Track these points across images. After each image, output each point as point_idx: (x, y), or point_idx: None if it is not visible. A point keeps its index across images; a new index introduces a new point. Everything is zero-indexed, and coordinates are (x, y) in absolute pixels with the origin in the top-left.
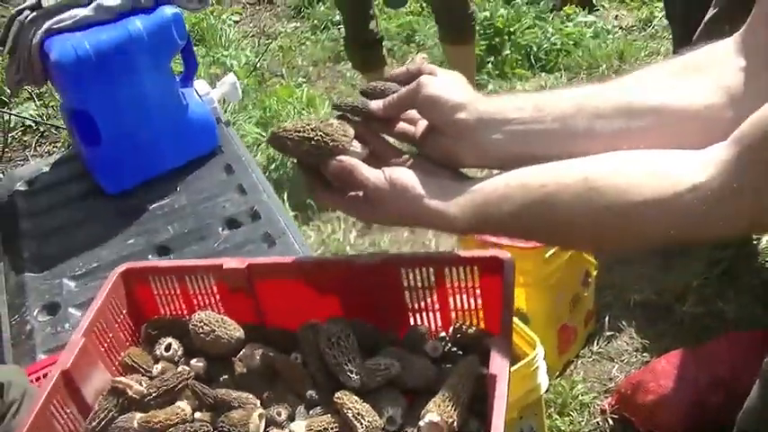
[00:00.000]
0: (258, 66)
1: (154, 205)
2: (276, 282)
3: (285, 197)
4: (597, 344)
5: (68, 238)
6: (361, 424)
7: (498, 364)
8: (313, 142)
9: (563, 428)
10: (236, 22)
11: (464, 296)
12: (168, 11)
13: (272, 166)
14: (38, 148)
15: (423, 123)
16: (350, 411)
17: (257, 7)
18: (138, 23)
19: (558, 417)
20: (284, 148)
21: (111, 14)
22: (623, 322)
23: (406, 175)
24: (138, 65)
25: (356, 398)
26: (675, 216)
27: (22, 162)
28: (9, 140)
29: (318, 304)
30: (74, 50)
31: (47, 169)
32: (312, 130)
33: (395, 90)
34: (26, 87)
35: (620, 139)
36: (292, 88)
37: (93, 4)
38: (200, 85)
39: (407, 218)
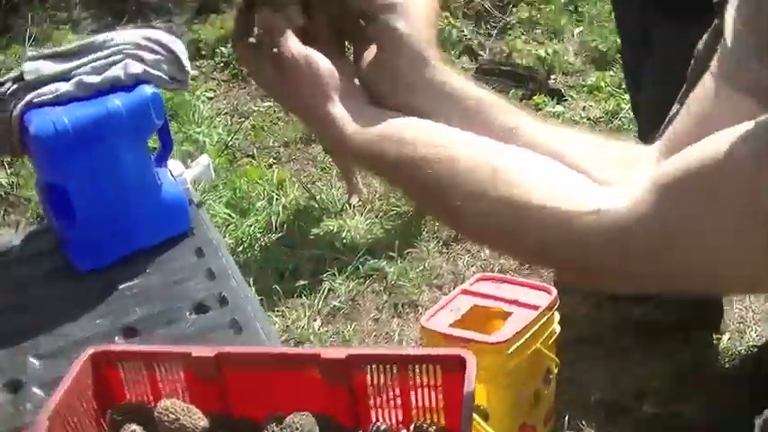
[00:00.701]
0: (230, 144)
1: (123, 285)
2: (244, 371)
3: (251, 281)
4: None
5: (35, 315)
6: None
7: None
8: None
9: None
10: (210, 98)
11: (426, 393)
12: (148, 90)
13: (240, 248)
14: (5, 218)
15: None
16: None
17: (231, 84)
18: (117, 101)
19: None
20: None
21: (91, 91)
22: (583, 421)
23: (325, 67)
24: (116, 142)
25: None
26: (571, 236)
27: None
28: None
29: (285, 395)
30: (52, 125)
31: (17, 242)
32: None
33: None
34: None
35: None
36: (263, 169)
37: (74, 80)
38: (174, 165)
39: (303, 108)
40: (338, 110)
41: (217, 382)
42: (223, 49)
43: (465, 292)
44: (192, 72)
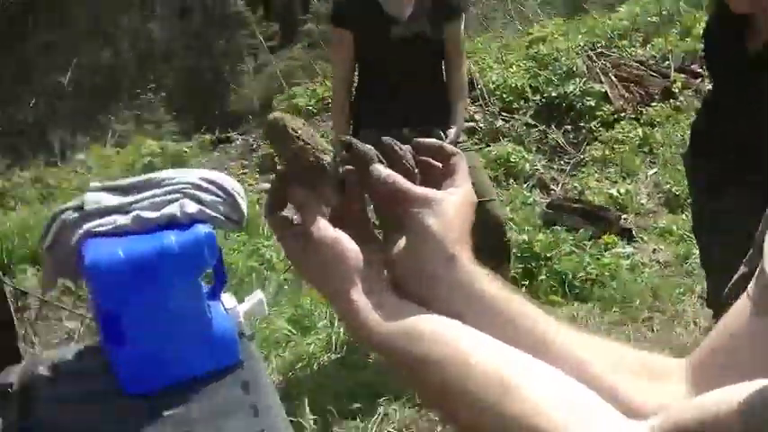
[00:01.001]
0: None
1: (167, 413)
2: None
3: (306, 401)
4: None
5: None
6: None
7: None
8: (312, 159)
9: None
10: None
11: None
12: (202, 230)
13: (299, 366)
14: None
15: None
16: None
17: None
18: (172, 238)
19: None
20: (280, 140)
21: (148, 226)
22: None
23: (352, 251)
24: (168, 277)
25: None
26: None
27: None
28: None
29: None
30: (108, 256)
31: (70, 357)
32: (322, 151)
33: (410, 164)
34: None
35: None
36: None
37: (132, 214)
38: (227, 299)
39: (326, 289)
40: (361, 298)
41: None
42: None
43: None
44: (265, 186)
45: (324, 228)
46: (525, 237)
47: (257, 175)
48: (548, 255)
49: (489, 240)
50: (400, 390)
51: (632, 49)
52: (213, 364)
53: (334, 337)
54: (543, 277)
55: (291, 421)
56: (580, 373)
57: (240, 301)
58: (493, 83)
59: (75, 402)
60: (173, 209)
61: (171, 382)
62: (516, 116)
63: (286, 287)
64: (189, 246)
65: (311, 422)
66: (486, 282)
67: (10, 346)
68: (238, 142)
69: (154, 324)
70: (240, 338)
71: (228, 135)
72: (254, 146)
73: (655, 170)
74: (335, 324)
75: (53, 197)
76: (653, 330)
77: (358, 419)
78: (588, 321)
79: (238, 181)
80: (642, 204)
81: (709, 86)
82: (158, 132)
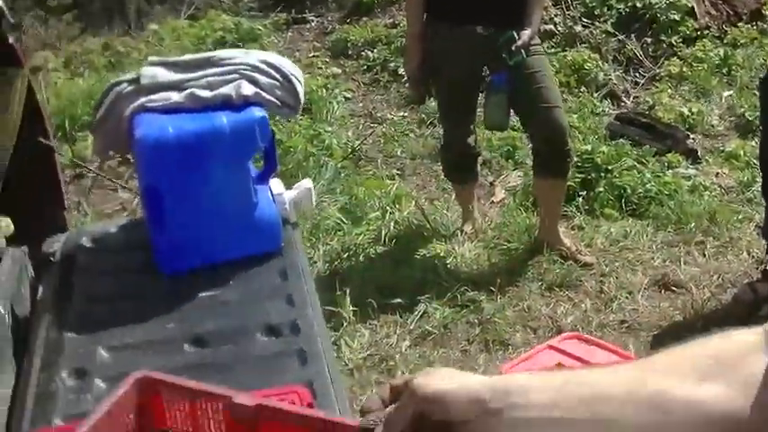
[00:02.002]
0: (357, 149)
1: (202, 294)
2: (282, 426)
3: (348, 291)
4: None
5: (114, 307)
6: None
7: None
8: None
9: None
10: (347, 99)
11: None
12: (256, 113)
13: (345, 255)
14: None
15: None
16: None
17: (371, 88)
18: (223, 119)
19: None
20: None
21: (201, 105)
22: None
23: None
24: (216, 158)
25: None
26: None
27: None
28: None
29: None
30: (157, 132)
31: (114, 230)
32: None
33: None
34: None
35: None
36: (383, 180)
37: (187, 91)
38: (275, 184)
39: None
40: None
41: (253, 430)
42: (369, 52)
43: (552, 347)
44: (335, 70)
45: None
46: (588, 147)
47: (328, 59)
48: (608, 167)
49: (551, 147)
50: (443, 289)
51: None
52: (253, 249)
53: (383, 231)
54: (601, 189)
55: (332, 311)
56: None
57: (289, 187)
58: None
59: (114, 275)
60: (228, 89)
61: (209, 264)
62: (597, 23)
63: (342, 175)
64: (240, 128)
65: (351, 313)
66: None
67: (56, 215)
68: (313, 24)
69: (197, 204)
70: (284, 226)
71: (304, 15)
72: (329, 28)
73: (730, 92)
74: (387, 217)
75: (121, 66)
76: (704, 255)
77: (398, 315)
78: (641, 239)
79: (309, 64)
80: (712, 126)
81: None
82: (235, 8)
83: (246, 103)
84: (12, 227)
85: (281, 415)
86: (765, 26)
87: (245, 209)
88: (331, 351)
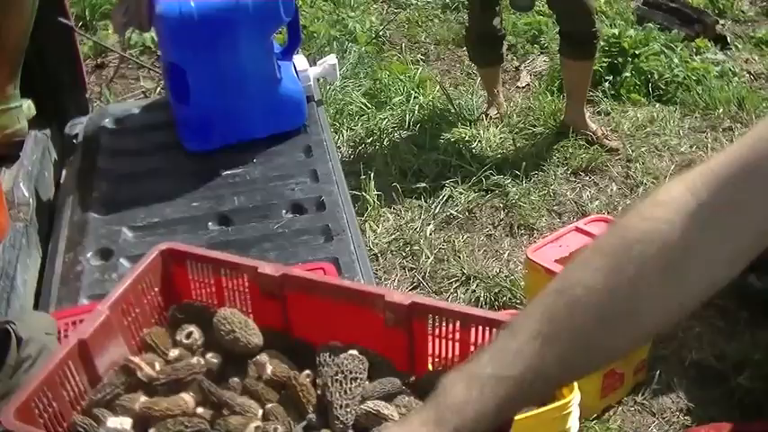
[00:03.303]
0: (381, 34)
1: (226, 172)
2: (307, 295)
3: (372, 175)
4: (642, 395)
5: (139, 187)
6: None
7: None
8: None
9: None
10: None
11: None
12: None
13: (369, 140)
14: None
15: None
16: None
17: None
18: None
19: None
20: None
21: None
22: (674, 380)
23: None
24: (239, 33)
25: None
26: None
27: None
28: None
29: (345, 327)
30: (178, 7)
31: (137, 111)
32: None
33: None
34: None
35: None
36: (408, 65)
37: None
38: (299, 60)
39: None
40: None
41: (279, 300)
42: None
43: (578, 230)
44: None
45: None
46: (615, 31)
47: None
48: (636, 52)
49: (577, 29)
50: (468, 174)
51: None
52: (277, 127)
53: (407, 115)
54: (628, 74)
55: (356, 195)
56: None
57: (313, 64)
58: None
59: (138, 155)
60: None
61: (232, 142)
62: None
63: (366, 60)
64: (263, 2)
65: (375, 198)
66: None
67: (78, 97)
68: None
69: (220, 81)
70: (308, 102)
71: None
72: None
73: None
74: (411, 101)
75: None
76: (732, 141)
77: (422, 199)
78: (668, 124)
79: None
80: (742, 12)
81: None
82: None
83: None
84: (33, 109)
85: (307, 285)
86: None
87: (268, 85)
88: (356, 227)
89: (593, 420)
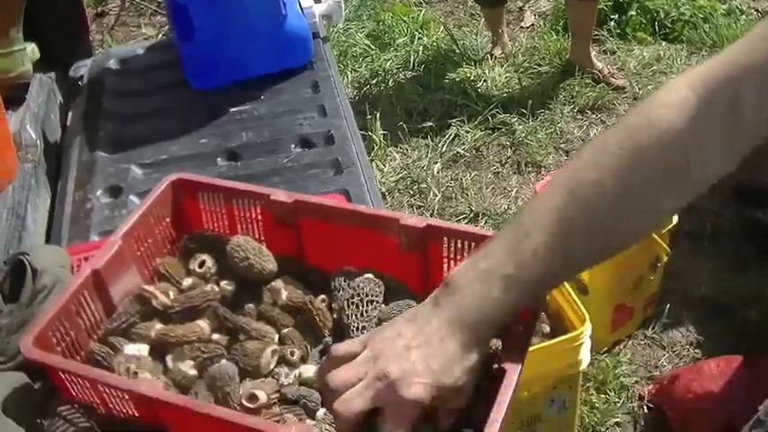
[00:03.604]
0: None
1: (234, 109)
2: (320, 221)
3: (378, 115)
4: (652, 329)
5: (146, 126)
6: None
7: (512, 358)
8: None
9: (597, 405)
10: None
11: None
12: None
13: (374, 81)
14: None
15: None
16: None
17: None
18: None
19: (594, 393)
20: None
21: None
22: (684, 313)
23: None
24: None
25: None
26: None
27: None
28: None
29: (359, 252)
30: None
31: (141, 52)
32: None
33: None
34: None
35: None
36: (411, 7)
37: None
38: None
39: None
40: None
41: (292, 227)
42: None
43: None
44: None
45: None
46: None
47: None
48: None
49: None
50: (474, 112)
51: None
52: (283, 64)
53: (412, 56)
54: (633, 13)
55: (362, 135)
56: None
57: (317, 1)
58: None
59: (144, 94)
60: None
61: (238, 79)
62: None
63: (368, 2)
64: None
65: (381, 137)
66: None
67: (81, 40)
68: None
69: (224, 18)
70: (313, 39)
71: None
72: None
73: None
74: (415, 42)
75: None
76: None
77: (429, 138)
78: (674, 62)
79: None
80: None
81: None
82: None
83: None
84: (37, 52)
85: (320, 211)
86: None
87: (273, 22)
88: (366, 160)
89: (603, 354)
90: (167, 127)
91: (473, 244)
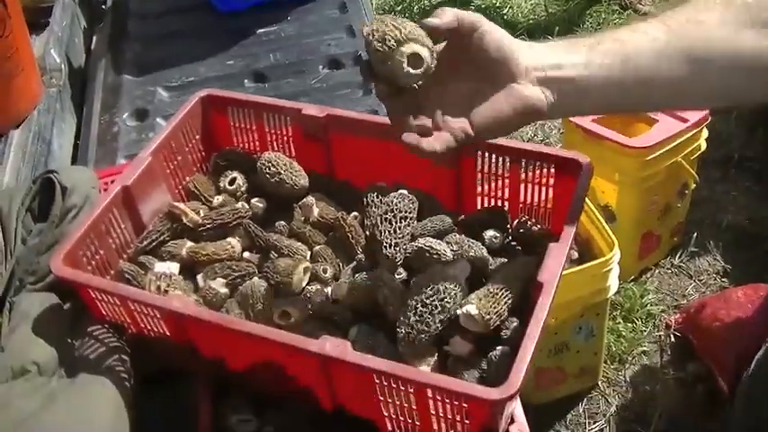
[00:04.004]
0: None
1: (260, 30)
2: (352, 136)
3: None
4: (679, 257)
5: (171, 48)
6: (389, 311)
7: (549, 273)
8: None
9: (623, 334)
10: None
11: (535, 192)
12: None
13: (399, 8)
14: None
15: None
16: (381, 294)
17: None
18: None
19: (621, 321)
20: None
21: None
22: (711, 242)
23: None
24: None
25: (391, 280)
26: None
27: None
28: None
29: (391, 167)
30: None
31: None
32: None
33: None
34: None
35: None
36: None
37: None
38: None
39: None
40: None
41: (323, 143)
42: None
43: None
44: None
45: None
46: None
47: None
48: None
49: None
50: None
51: None
52: None
53: None
54: None
55: None
56: None
57: None
58: None
59: (169, 16)
60: None
61: (265, 1)
62: None
63: None
64: None
65: None
66: None
67: None
68: None
69: None
70: None
71: None
72: None
73: None
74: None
75: None
76: None
77: None
78: None
79: None
80: None
81: None
82: None
83: None
84: None
85: (352, 124)
86: None
87: None
88: None
89: (630, 282)
90: (193, 49)
91: (507, 158)
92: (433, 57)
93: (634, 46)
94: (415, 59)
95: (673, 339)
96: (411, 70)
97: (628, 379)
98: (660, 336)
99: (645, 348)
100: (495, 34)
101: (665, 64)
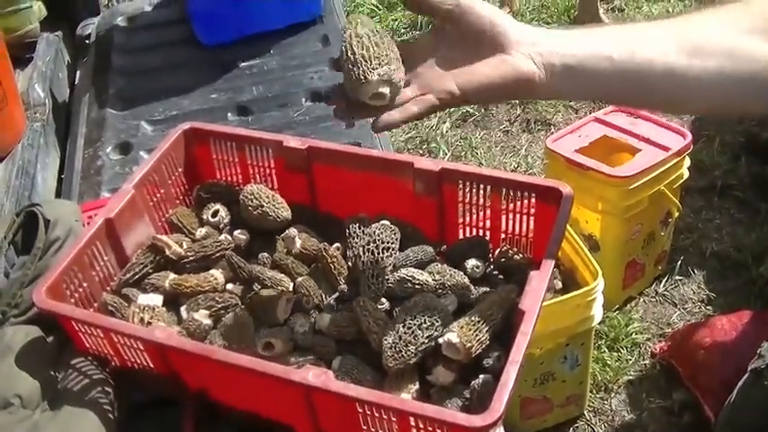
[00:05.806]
0: None
1: (244, 63)
2: (334, 168)
3: None
4: (663, 286)
5: (155, 82)
6: (373, 339)
7: (530, 300)
8: None
9: (609, 363)
10: None
11: (516, 221)
12: None
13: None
14: None
15: None
16: (364, 323)
17: None
18: None
19: (606, 350)
20: None
21: None
22: (695, 270)
23: None
24: None
25: (374, 309)
26: None
27: None
28: None
29: (373, 199)
30: None
31: (149, 9)
32: None
33: None
34: None
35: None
36: None
37: None
38: None
39: None
40: None
41: (306, 175)
42: None
43: (598, 120)
44: None
45: None
46: None
47: None
48: None
49: None
50: None
51: None
52: (292, 17)
53: (420, 16)
54: None
55: None
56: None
57: None
58: None
59: (152, 51)
60: None
61: (247, 34)
62: None
63: None
64: None
65: None
66: None
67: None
68: None
69: None
70: None
71: None
72: None
73: None
74: None
75: None
76: None
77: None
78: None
79: None
80: None
81: None
82: None
83: None
84: (44, 10)
85: (334, 156)
86: None
87: None
88: None
89: (615, 311)
90: (177, 83)
91: (489, 187)
92: (401, 77)
93: (635, 35)
94: (383, 86)
95: (658, 368)
96: (378, 102)
97: (614, 408)
98: (646, 364)
99: (630, 377)
100: (490, 9)
101: (667, 52)
